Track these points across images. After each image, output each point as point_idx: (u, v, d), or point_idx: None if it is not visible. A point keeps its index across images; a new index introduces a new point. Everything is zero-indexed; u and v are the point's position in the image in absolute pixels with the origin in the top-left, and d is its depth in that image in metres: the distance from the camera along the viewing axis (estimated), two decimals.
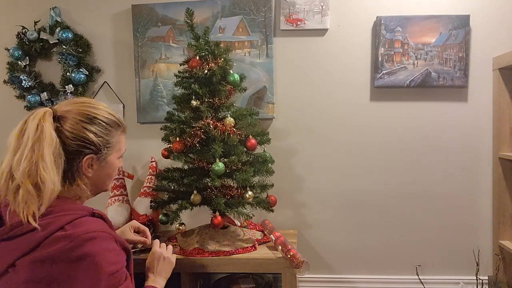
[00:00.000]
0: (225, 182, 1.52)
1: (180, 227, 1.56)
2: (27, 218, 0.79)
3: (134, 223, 1.29)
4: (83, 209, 0.91)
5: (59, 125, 0.89)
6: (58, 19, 1.87)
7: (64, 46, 1.84)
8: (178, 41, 1.85)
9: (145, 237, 1.27)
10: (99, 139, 0.94)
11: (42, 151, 0.82)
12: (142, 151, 1.91)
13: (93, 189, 1.00)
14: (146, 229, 1.29)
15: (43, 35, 1.85)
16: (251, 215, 1.53)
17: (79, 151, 0.91)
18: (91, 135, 0.92)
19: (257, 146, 1.55)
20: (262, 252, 1.51)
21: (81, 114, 0.93)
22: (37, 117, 0.86)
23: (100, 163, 0.96)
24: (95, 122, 0.94)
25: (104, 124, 0.96)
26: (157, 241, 1.23)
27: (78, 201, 0.96)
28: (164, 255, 1.17)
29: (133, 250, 1.29)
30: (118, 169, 1.62)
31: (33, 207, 0.80)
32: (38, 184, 0.81)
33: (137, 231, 1.28)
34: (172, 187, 1.57)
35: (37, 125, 0.85)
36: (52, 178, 0.82)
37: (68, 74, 1.85)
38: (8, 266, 0.82)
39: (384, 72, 1.77)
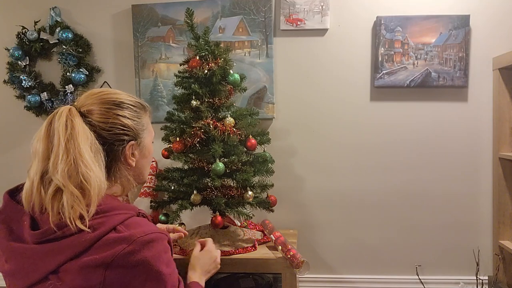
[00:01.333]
0: (225, 182, 1.52)
1: (180, 227, 1.56)
2: (75, 222, 0.72)
3: (159, 224, 1.28)
4: (131, 208, 0.86)
5: (88, 119, 0.82)
6: (58, 19, 1.87)
7: (64, 46, 1.84)
8: (178, 41, 1.85)
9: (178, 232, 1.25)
10: (134, 122, 0.88)
11: (79, 147, 0.75)
12: None
13: (136, 180, 0.94)
14: (174, 226, 1.28)
15: (43, 35, 1.85)
16: (251, 215, 1.53)
17: (119, 140, 0.85)
18: (126, 120, 0.86)
19: (257, 146, 1.55)
20: (262, 252, 1.51)
21: (106, 102, 0.85)
22: (64, 115, 0.78)
23: (140, 149, 0.91)
24: (123, 106, 0.87)
25: (131, 106, 0.89)
26: (211, 239, 1.21)
27: (120, 197, 0.91)
28: (218, 260, 1.16)
29: None
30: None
31: (79, 209, 0.73)
32: (82, 184, 0.74)
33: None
34: (172, 187, 1.57)
35: (66, 123, 0.77)
36: (96, 174, 0.75)
37: (68, 74, 1.85)
38: (48, 272, 0.73)
39: (384, 72, 1.77)
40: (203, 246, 1.25)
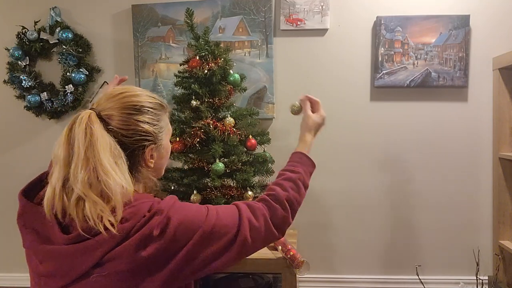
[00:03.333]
0: (225, 182, 1.52)
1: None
2: (105, 228, 0.74)
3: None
4: (152, 197, 0.88)
5: (108, 125, 0.82)
6: (58, 19, 1.87)
7: (64, 46, 1.84)
8: (178, 41, 1.85)
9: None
10: (154, 127, 0.88)
11: (98, 155, 0.75)
12: None
13: (156, 177, 0.96)
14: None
15: (43, 35, 1.85)
16: None
17: (140, 145, 0.86)
18: (146, 126, 0.86)
19: (257, 146, 1.55)
20: (262, 252, 1.50)
21: (126, 107, 0.85)
22: (83, 121, 0.78)
23: (159, 150, 0.92)
24: (143, 111, 0.87)
25: (152, 110, 0.89)
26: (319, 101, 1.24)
27: (146, 192, 0.93)
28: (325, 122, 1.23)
29: None
30: None
31: (106, 216, 0.74)
32: (104, 192, 0.75)
33: None
34: (172, 187, 1.57)
35: (85, 130, 0.77)
36: (117, 181, 0.76)
37: (68, 74, 1.85)
38: (88, 268, 0.75)
39: (384, 72, 1.76)
40: (314, 107, 1.27)
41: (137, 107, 0.86)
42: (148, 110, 0.88)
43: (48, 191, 0.78)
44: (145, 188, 0.93)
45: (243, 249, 0.89)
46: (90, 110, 0.82)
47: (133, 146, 0.85)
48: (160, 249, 0.77)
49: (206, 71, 1.45)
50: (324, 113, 1.25)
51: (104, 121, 0.82)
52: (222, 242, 0.85)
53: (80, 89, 1.87)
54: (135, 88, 0.92)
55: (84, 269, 0.75)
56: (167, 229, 0.78)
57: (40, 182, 0.89)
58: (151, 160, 0.90)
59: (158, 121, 0.90)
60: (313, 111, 1.26)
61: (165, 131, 0.95)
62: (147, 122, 0.87)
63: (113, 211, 0.76)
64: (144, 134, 0.86)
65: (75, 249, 0.76)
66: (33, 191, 0.87)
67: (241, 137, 1.50)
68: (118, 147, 0.80)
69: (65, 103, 1.86)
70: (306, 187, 1.13)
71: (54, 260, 0.78)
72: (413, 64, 1.75)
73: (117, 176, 0.77)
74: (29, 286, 0.85)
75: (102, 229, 0.73)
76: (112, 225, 0.74)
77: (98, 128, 0.78)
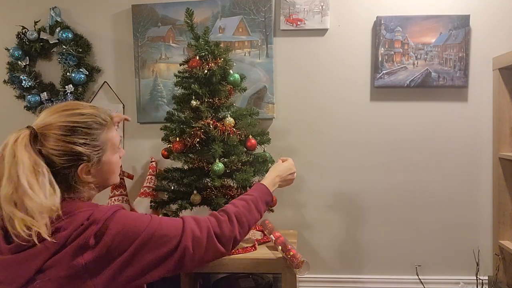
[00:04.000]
0: (225, 182, 1.52)
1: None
2: (37, 238, 0.78)
3: None
4: (93, 205, 0.90)
5: (41, 146, 0.85)
6: (58, 19, 1.87)
7: (64, 46, 1.84)
8: (178, 41, 1.85)
9: None
10: (86, 147, 0.89)
11: (18, 176, 0.79)
12: (142, 151, 1.91)
13: (99, 187, 0.98)
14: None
15: (43, 35, 1.85)
16: None
17: (70, 165, 0.88)
18: (78, 148, 0.88)
19: (257, 146, 1.55)
20: (262, 252, 1.51)
21: (61, 127, 0.87)
22: (11, 141, 0.83)
23: (96, 166, 0.93)
24: (76, 131, 0.88)
25: (86, 130, 0.90)
26: (291, 159, 1.32)
27: (87, 200, 0.95)
28: (295, 175, 1.28)
29: None
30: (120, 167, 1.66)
31: (37, 228, 0.78)
32: (28, 210, 0.78)
33: None
34: (172, 187, 1.57)
35: (12, 149, 0.81)
36: (36, 200, 0.78)
37: (68, 74, 1.85)
38: (31, 276, 0.79)
39: (384, 72, 1.76)
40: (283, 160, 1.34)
41: (70, 128, 0.88)
42: (82, 130, 0.89)
43: None
44: (89, 195, 0.95)
45: (184, 258, 0.91)
46: (25, 129, 0.85)
47: (64, 165, 0.87)
48: (97, 257, 0.82)
49: (206, 71, 1.45)
50: (291, 162, 1.33)
51: (39, 141, 0.85)
52: (162, 252, 0.89)
53: (80, 89, 1.87)
54: (78, 104, 0.94)
55: (27, 276, 0.80)
56: (103, 238, 0.83)
57: None
58: (87, 176, 0.92)
59: (93, 140, 0.91)
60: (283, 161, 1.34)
61: (105, 148, 0.95)
62: (81, 144, 0.88)
63: (44, 222, 0.79)
64: (76, 155, 0.88)
65: (18, 258, 0.81)
66: None
67: (241, 137, 1.50)
68: (44, 165, 0.82)
69: None
70: (258, 210, 1.14)
71: (2, 269, 0.82)
72: (413, 64, 1.75)
73: (36, 196, 0.79)
74: None
75: (36, 241, 0.78)
76: (42, 236, 0.78)
77: (21, 150, 0.81)
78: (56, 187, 0.83)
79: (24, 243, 0.80)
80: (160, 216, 0.96)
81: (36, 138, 0.85)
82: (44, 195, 0.80)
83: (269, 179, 1.24)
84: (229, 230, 1.01)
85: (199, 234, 0.95)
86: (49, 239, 0.78)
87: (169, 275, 0.91)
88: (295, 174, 1.33)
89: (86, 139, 0.90)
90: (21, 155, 0.81)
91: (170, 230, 0.91)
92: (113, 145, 0.98)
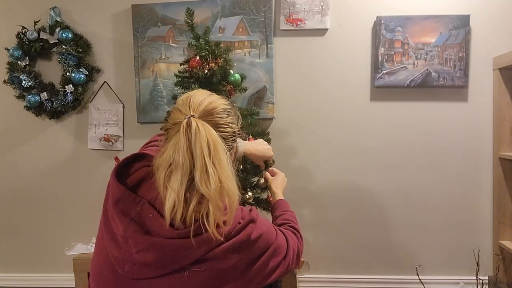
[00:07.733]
0: None
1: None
2: (213, 233, 0.78)
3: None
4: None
5: (220, 133, 0.83)
6: (58, 19, 1.87)
7: (64, 46, 1.84)
8: (178, 41, 1.85)
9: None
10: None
11: (221, 163, 0.79)
12: None
13: None
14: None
15: (43, 35, 1.85)
16: None
17: (231, 147, 0.90)
18: (234, 126, 0.92)
19: None
20: None
21: (221, 111, 0.87)
22: (201, 128, 0.79)
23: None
24: (230, 113, 0.91)
25: (231, 110, 0.93)
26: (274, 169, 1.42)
27: None
28: (285, 178, 1.38)
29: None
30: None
31: (219, 220, 0.79)
32: (223, 197, 0.79)
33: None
34: None
35: (207, 138, 0.78)
36: (235, 188, 0.80)
37: (68, 74, 1.85)
38: (187, 264, 0.79)
39: (384, 72, 1.76)
40: (271, 173, 1.41)
41: (224, 109, 0.90)
42: (230, 111, 0.93)
43: (172, 197, 0.77)
44: None
45: (288, 266, 0.97)
46: (198, 119, 0.81)
47: (230, 148, 0.89)
48: (248, 255, 0.85)
49: (206, 71, 1.45)
50: (279, 171, 1.40)
51: (215, 129, 0.83)
52: (280, 257, 0.94)
53: (80, 89, 1.87)
54: (210, 94, 0.93)
55: (184, 263, 0.79)
56: (258, 237, 0.87)
57: (132, 161, 0.90)
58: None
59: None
60: (272, 174, 1.40)
61: None
62: (231, 122, 0.92)
63: (225, 215, 0.80)
64: (232, 134, 0.92)
65: (182, 244, 0.79)
66: (124, 173, 0.88)
67: (241, 137, 1.50)
68: (228, 153, 0.83)
69: (65, 103, 1.86)
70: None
71: (157, 252, 0.79)
72: (413, 64, 1.75)
73: (234, 181, 0.81)
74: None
75: (214, 230, 0.77)
76: (219, 229, 0.79)
77: (213, 134, 0.80)
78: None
79: (194, 231, 0.78)
80: None
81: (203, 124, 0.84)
82: (236, 184, 0.83)
83: (279, 194, 1.34)
84: (303, 248, 1.10)
85: (296, 247, 1.02)
86: (220, 238, 0.78)
87: (279, 278, 0.96)
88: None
89: (233, 119, 0.94)
90: (218, 142, 0.81)
91: (283, 241, 0.97)
92: None
